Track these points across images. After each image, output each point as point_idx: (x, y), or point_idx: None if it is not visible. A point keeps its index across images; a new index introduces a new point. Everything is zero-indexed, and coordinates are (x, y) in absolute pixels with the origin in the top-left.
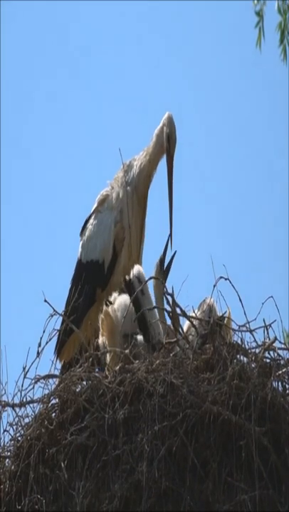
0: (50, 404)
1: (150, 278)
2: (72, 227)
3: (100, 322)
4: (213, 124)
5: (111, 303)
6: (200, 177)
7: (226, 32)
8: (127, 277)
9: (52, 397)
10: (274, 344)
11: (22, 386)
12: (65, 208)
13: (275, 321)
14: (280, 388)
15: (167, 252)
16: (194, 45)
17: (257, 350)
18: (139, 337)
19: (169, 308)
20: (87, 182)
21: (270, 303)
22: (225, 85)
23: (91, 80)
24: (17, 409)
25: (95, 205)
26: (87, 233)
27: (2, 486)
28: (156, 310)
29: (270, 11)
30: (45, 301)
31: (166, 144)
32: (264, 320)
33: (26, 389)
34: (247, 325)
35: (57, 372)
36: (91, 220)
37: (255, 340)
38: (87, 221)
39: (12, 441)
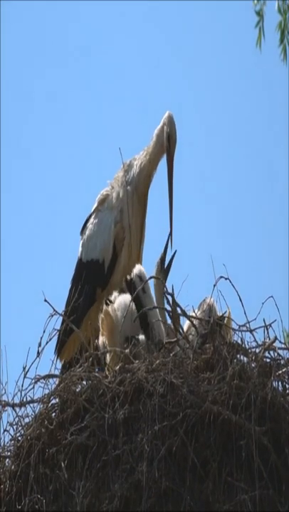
0: (50, 404)
1: (150, 277)
2: (72, 226)
3: (100, 322)
4: (213, 124)
5: (111, 302)
6: (200, 177)
7: (226, 32)
8: (128, 277)
9: (52, 397)
10: (274, 344)
11: (22, 386)
12: (65, 208)
13: (275, 320)
14: (280, 388)
15: (167, 251)
16: (194, 45)
17: (257, 350)
18: (141, 337)
19: (169, 308)
20: (87, 182)
21: (270, 303)
22: (225, 85)
23: (91, 80)
24: (17, 409)
25: (95, 205)
26: (87, 233)
27: (2, 486)
28: (157, 310)
29: (270, 10)
30: (45, 301)
31: (167, 144)
32: (264, 320)
33: (26, 389)
34: (247, 325)
35: (57, 372)
36: (91, 220)
37: (255, 340)
38: (87, 221)
39: (12, 441)
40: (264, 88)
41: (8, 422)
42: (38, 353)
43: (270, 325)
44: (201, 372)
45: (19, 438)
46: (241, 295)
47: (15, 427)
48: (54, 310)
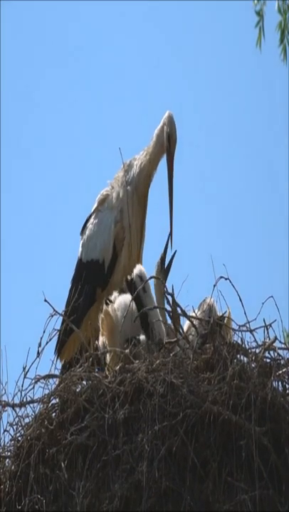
0: (50, 404)
1: (150, 277)
2: (72, 227)
3: (100, 322)
4: (213, 124)
5: (111, 301)
6: (200, 177)
7: (226, 32)
8: (128, 277)
9: (52, 397)
10: (274, 344)
11: (22, 386)
12: (65, 208)
13: (275, 320)
14: (280, 388)
15: (167, 251)
16: (194, 45)
17: (257, 350)
18: (142, 337)
19: (169, 308)
20: (87, 182)
21: (270, 303)
22: (225, 85)
23: (91, 80)
24: (17, 409)
25: (95, 205)
26: (87, 232)
27: (2, 486)
28: (157, 310)
29: (270, 10)
30: (45, 301)
31: (167, 143)
32: (264, 320)
33: (26, 389)
34: (247, 325)
35: (57, 372)
36: (91, 220)
37: (255, 340)
38: (87, 220)
39: (12, 441)
40: (264, 88)
41: (8, 422)
42: (38, 353)
43: (270, 325)
44: (201, 372)
45: (19, 438)
46: (241, 295)
47: (15, 427)
48: (54, 310)
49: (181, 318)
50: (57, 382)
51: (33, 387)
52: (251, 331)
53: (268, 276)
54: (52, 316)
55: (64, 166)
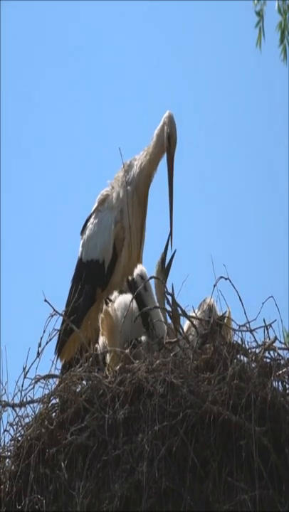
0: (50, 404)
1: (151, 277)
2: (72, 227)
3: (100, 322)
4: (213, 124)
5: (111, 300)
6: (200, 177)
7: (226, 32)
8: (130, 277)
9: (52, 397)
10: (274, 344)
11: (22, 386)
12: (65, 208)
13: (275, 320)
14: (280, 388)
15: (168, 251)
16: (194, 45)
17: (257, 350)
18: (143, 338)
19: (169, 308)
20: (87, 182)
21: (270, 303)
22: (225, 85)
23: (91, 80)
24: (17, 409)
25: (96, 205)
26: (87, 232)
27: (2, 486)
28: (159, 310)
29: (270, 11)
30: (45, 301)
31: (167, 143)
32: (264, 320)
33: (26, 389)
34: (247, 325)
35: (57, 372)
36: (91, 220)
37: (255, 340)
38: (87, 221)
39: (12, 441)
40: (264, 88)
41: (8, 422)
42: (38, 353)
43: (270, 325)
44: (201, 372)
45: (19, 438)
46: (241, 295)
47: (15, 427)
48: (54, 310)
49: (181, 318)
50: (57, 382)
51: (33, 387)
52: (251, 331)
53: (268, 276)
54: (52, 316)
55: (64, 166)
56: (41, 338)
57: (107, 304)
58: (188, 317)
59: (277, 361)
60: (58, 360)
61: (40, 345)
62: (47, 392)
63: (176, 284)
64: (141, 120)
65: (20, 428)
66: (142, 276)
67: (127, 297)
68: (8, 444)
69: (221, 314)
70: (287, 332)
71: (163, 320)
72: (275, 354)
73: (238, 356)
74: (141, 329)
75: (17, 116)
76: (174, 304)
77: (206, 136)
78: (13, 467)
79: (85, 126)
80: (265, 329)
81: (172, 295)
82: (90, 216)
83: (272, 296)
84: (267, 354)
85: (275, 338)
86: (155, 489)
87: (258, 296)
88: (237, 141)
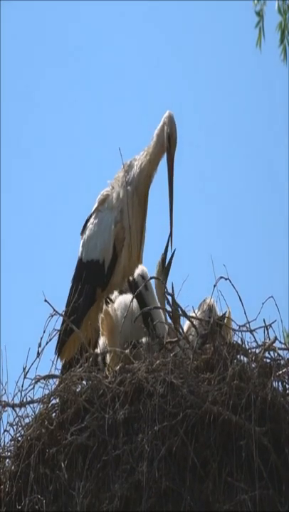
0: (50, 405)
1: (151, 278)
2: (72, 227)
3: (100, 322)
4: (213, 124)
5: (111, 300)
6: (200, 177)
7: (226, 32)
8: (130, 277)
9: (52, 397)
10: (274, 344)
11: (22, 386)
12: (65, 208)
13: (275, 321)
14: (280, 388)
15: (168, 252)
16: (194, 45)
17: (257, 350)
18: (143, 340)
19: (169, 308)
20: (87, 182)
21: (270, 303)
22: (225, 85)
23: (91, 80)
24: (17, 410)
25: (96, 205)
26: (87, 233)
27: (2, 486)
28: (159, 310)
29: (270, 11)
30: (45, 301)
31: (167, 143)
32: (264, 320)
33: (26, 389)
34: (247, 325)
35: (57, 373)
36: (91, 220)
37: (255, 340)
38: (87, 221)
39: (12, 442)
40: (264, 88)
41: (8, 422)
42: (38, 354)
43: (270, 325)
44: (201, 372)
45: (19, 438)
46: (241, 295)
47: (15, 427)
48: (54, 310)
49: (181, 318)
50: (57, 383)
51: (33, 388)
52: (251, 331)
53: (268, 276)
54: (52, 316)
55: (64, 166)
56: (41, 338)
57: (107, 303)
58: (188, 317)
59: (277, 361)
60: (58, 360)
61: (40, 345)
62: (47, 392)
63: (176, 284)
64: (141, 120)
65: (20, 428)
66: (143, 276)
67: (127, 297)
68: (8, 444)
69: (221, 314)
70: (287, 332)
71: (164, 320)
72: (275, 354)
73: (238, 356)
74: (141, 329)
75: (17, 116)
76: (174, 304)
77: (206, 136)
78: (13, 467)
79: (85, 126)
80: (265, 329)
81: (172, 295)
82: (90, 216)
83: (272, 296)
84: (267, 354)
85: (275, 339)
86: (155, 489)
87: (258, 296)
88: (237, 141)
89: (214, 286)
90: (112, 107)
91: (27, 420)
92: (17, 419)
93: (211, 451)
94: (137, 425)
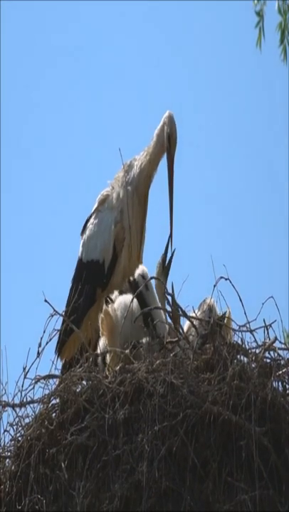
0: (50, 405)
1: (151, 278)
2: (72, 227)
3: (100, 322)
4: (213, 124)
5: (111, 299)
6: (200, 177)
7: (226, 32)
8: (131, 278)
9: (52, 397)
10: (274, 344)
11: (22, 386)
12: (65, 208)
13: (275, 321)
14: (281, 388)
15: (168, 252)
16: (194, 45)
17: (257, 350)
18: (143, 340)
19: (169, 309)
20: (87, 182)
21: (270, 303)
22: (225, 85)
23: (91, 80)
24: (17, 410)
25: (96, 205)
26: (87, 233)
27: (2, 486)
28: (160, 310)
29: (270, 11)
30: (45, 301)
31: (167, 143)
32: (264, 320)
33: (26, 389)
34: (247, 325)
35: (57, 373)
36: (91, 220)
37: (255, 341)
38: (87, 221)
39: (12, 442)
40: (264, 88)
41: (8, 422)
42: (38, 354)
43: (270, 325)
44: (201, 372)
45: (19, 438)
46: (241, 295)
47: (15, 427)
48: (54, 310)
49: (182, 318)
50: (57, 383)
51: (33, 388)
52: (251, 331)
53: (268, 276)
54: (52, 316)
55: (64, 166)
56: (41, 338)
57: (107, 303)
58: (189, 317)
59: (277, 361)
60: (58, 360)
61: (40, 345)
62: (47, 392)
63: (176, 284)
64: (141, 120)
65: (20, 428)
66: (143, 276)
67: (127, 297)
68: (8, 444)
69: (221, 314)
70: (287, 332)
71: (164, 320)
72: (275, 354)
73: (238, 356)
74: (141, 329)
75: (17, 116)
76: (174, 304)
77: (206, 136)
78: (13, 467)
79: (85, 126)
80: (265, 329)
81: (172, 295)
82: (90, 216)
83: (272, 297)
84: (267, 354)
85: (275, 339)
86: (155, 489)
87: (258, 296)
88: (237, 141)
89: (214, 286)
90: (112, 106)
91: (27, 420)
92: (17, 419)
93: (211, 451)
94: (137, 425)
